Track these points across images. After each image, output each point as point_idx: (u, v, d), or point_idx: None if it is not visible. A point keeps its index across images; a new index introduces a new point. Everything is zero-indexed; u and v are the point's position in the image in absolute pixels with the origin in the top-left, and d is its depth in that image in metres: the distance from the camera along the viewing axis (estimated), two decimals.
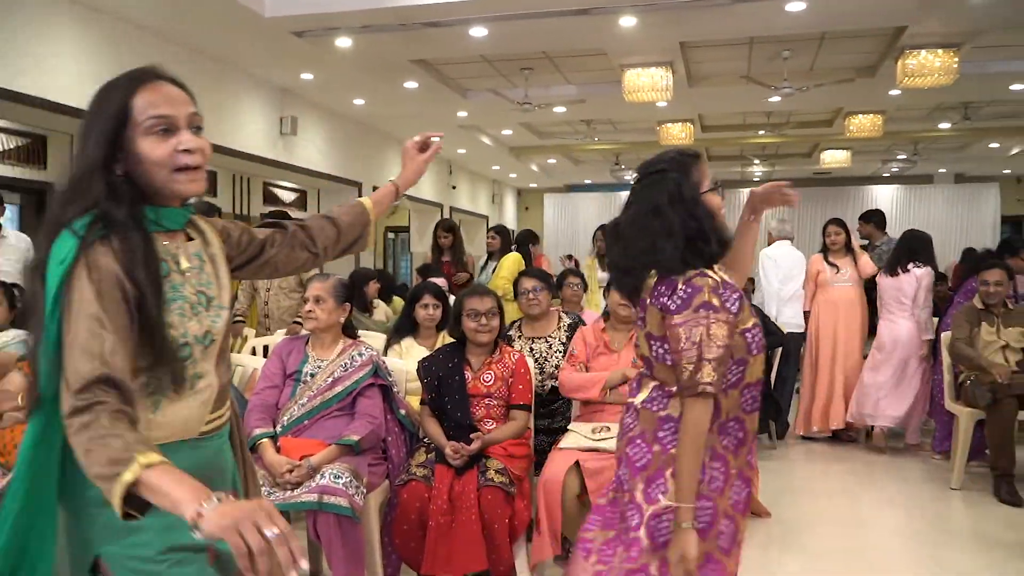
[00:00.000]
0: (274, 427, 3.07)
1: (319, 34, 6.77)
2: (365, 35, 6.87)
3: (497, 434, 3.21)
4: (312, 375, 3.16)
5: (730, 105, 10.46)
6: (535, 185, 18.63)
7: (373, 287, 6.11)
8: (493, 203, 17.31)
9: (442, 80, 8.82)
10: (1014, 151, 14.08)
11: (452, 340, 3.46)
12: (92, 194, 1.44)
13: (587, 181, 18.41)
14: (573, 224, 17.49)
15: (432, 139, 2.09)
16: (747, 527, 3.95)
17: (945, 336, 5.10)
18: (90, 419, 1.30)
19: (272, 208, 10.31)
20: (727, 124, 12.25)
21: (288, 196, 11.32)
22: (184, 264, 1.57)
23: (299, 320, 4.83)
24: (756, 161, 15.50)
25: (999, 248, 6.38)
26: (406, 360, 3.78)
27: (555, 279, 5.13)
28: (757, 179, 17.60)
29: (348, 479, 2.79)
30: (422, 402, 3.37)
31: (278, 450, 2.96)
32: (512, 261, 6.68)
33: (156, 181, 1.49)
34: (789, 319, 6.28)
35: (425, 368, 3.36)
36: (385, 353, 3.96)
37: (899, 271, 5.65)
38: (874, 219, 7.00)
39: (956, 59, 7.30)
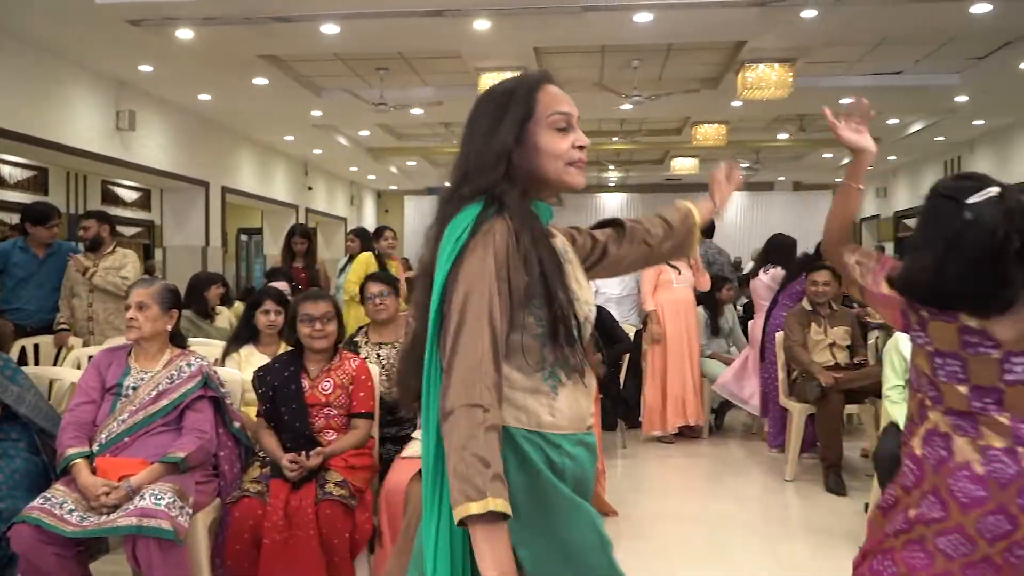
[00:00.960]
0: (91, 446, 2.84)
1: (158, 24, 6.43)
2: (209, 27, 6.58)
3: (337, 445, 3.10)
4: (134, 388, 2.95)
5: (584, 111, 10.45)
6: (395, 187, 18.45)
7: (215, 291, 5.82)
8: (352, 205, 17.01)
9: (294, 77, 8.57)
10: (845, 161, 15.02)
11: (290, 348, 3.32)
12: (494, 175, 1.53)
13: (447, 184, 18.36)
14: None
15: (735, 171, 2.11)
16: None
17: (779, 337, 5.34)
18: (473, 423, 1.32)
19: (105, 207, 9.69)
20: (583, 130, 12.45)
21: (129, 196, 10.71)
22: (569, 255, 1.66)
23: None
24: (611, 167, 15.91)
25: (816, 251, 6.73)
26: (245, 369, 3.61)
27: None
28: (612, 184, 18.09)
29: (171, 499, 2.62)
30: (258, 414, 3.22)
31: (94, 471, 2.74)
32: (360, 263, 6.53)
33: (548, 172, 1.59)
34: (623, 318, 6.45)
35: (260, 378, 3.21)
36: (223, 362, 3.77)
37: (758, 273, 6.13)
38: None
39: (791, 73, 7.70)
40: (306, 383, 3.19)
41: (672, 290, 6.12)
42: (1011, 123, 11.01)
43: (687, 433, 6.20)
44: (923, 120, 11.31)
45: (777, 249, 6.22)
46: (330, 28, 6.69)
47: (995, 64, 8.15)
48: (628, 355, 5.90)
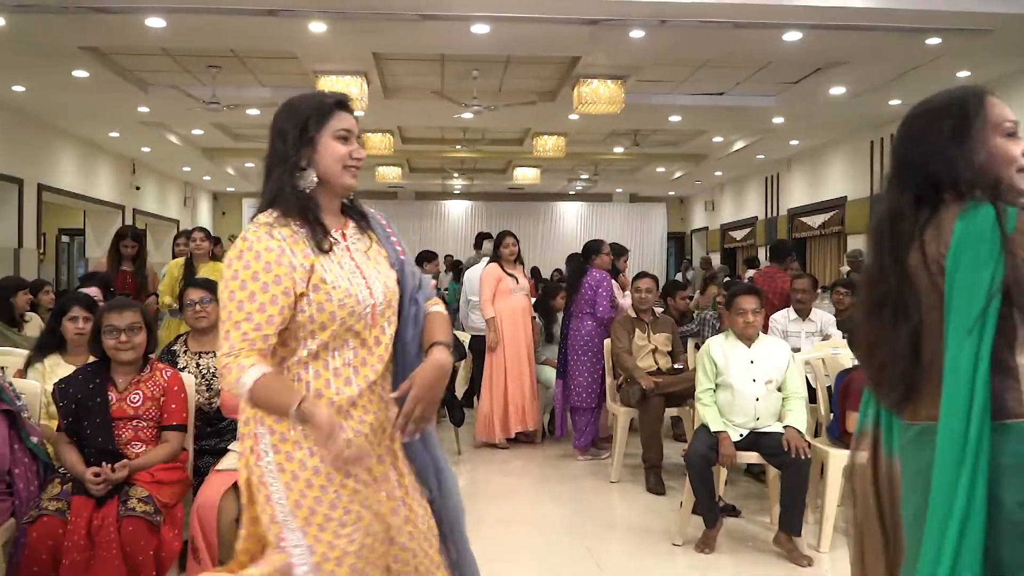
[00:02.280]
0: None
1: None
2: (22, 15, 6.16)
3: (145, 458, 2.96)
4: None
5: (426, 119, 10.70)
6: (232, 189, 17.81)
7: (23, 298, 5.44)
8: (185, 206, 16.28)
9: (118, 72, 8.14)
10: (676, 175, 15.81)
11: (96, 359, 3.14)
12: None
13: None
14: None
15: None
16: None
17: (607, 343, 5.54)
18: None
19: None
20: (426, 137, 12.51)
21: None
22: None
23: None
24: (456, 175, 16.01)
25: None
26: (50, 381, 3.38)
27: None
28: (458, 192, 18.20)
29: None
30: (58, 428, 3.03)
31: None
32: (169, 271, 6.23)
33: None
34: (476, 323, 6.55)
35: (61, 391, 3.02)
36: (25, 373, 3.52)
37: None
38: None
39: (622, 90, 8.02)
40: (113, 396, 3.03)
41: (510, 298, 6.22)
42: (823, 143, 11.92)
43: (521, 438, 6.31)
44: (745, 139, 12.05)
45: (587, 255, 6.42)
46: (156, 22, 6.39)
47: (806, 88, 8.81)
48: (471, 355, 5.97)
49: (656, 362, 5.38)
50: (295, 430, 1.83)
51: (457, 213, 17.90)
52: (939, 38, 6.69)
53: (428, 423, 1.87)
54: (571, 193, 18.07)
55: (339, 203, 2.01)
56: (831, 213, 11.92)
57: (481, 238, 8.56)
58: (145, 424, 3.04)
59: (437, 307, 2.06)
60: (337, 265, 1.90)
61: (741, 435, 3.95)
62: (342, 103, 1.96)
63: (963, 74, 7.82)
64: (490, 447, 6.21)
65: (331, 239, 1.91)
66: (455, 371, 6.09)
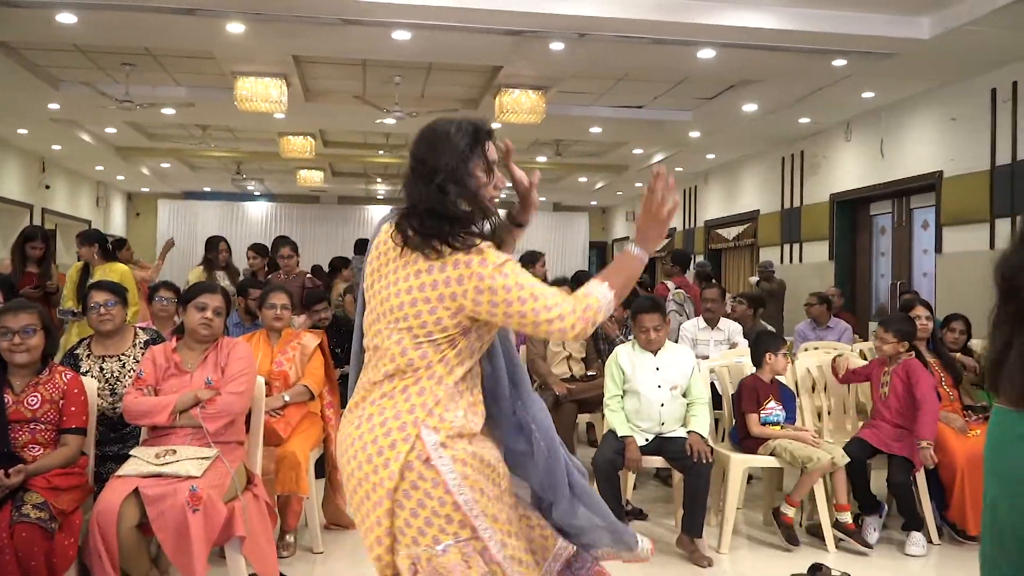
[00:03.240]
0: None
1: None
2: None
3: (42, 463, 2.90)
4: None
5: (349, 123, 10.63)
6: (148, 189, 17.35)
7: None
8: (98, 206, 15.79)
9: (27, 67, 7.89)
10: (598, 185, 16.05)
11: None
12: None
13: (206, 188, 17.58)
14: (191, 232, 16.54)
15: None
16: (334, 540, 4.01)
17: (523, 349, 5.61)
18: None
19: None
20: (349, 141, 12.42)
21: None
22: None
23: None
24: (379, 180, 15.92)
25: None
26: None
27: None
28: (381, 197, 18.10)
29: None
30: None
31: None
32: (70, 276, 6.07)
33: None
34: None
35: None
36: None
37: None
38: None
39: (543, 101, 8.13)
40: (9, 398, 2.96)
41: None
42: (737, 158, 12.27)
43: None
44: (664, 151, 12.32)
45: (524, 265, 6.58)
46: (67, 17, 6.22)
47: (721, 105, 9.08)
48: None
49: (570, 368, 5.47)
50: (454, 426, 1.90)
51: (379, 218, 17.78)
52: (845, 60, 6.98)
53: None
54: (496, 200, 18.13)
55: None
56: (745, 226, 12.28)
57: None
58: (43, 427, 2.97)
59: None
60: None
61: (647, 440, 4.07)
62: (490, 135, 2.08)
63: (868, 95, 8.19)
64: None
65: None
66: None
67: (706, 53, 6.93)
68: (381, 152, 12.60)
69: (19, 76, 8.03)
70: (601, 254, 20.05)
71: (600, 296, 1.89)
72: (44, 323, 3.04)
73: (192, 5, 6.00)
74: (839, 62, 7.07)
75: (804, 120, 9.40)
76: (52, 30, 6.58)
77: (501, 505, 1.95)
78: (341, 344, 5.16)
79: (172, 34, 6.75)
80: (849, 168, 9.43)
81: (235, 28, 6.49)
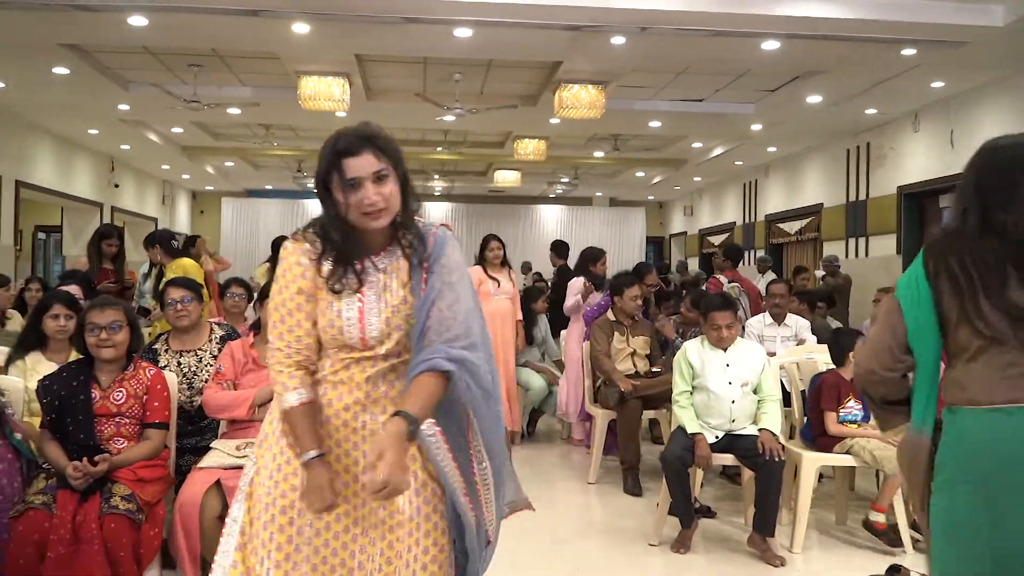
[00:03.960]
0: None
1: None
2: (2, 10, 6.11)
3: (127, 455, 2.98)
4: None
5: (408, 121, 10.72)
6: (212, 188, 17.74)
7: (3, 295, 5.43)
8: (164, 205, 16.19)
9: (99, 69, 8.10)
10: (656, 180, 15.92)
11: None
12: None
13: (268, 187, 17.88)
14: (253, 230, 16.87)
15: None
16: None
17: (585, 346, 5.60)
18: None
19: None
20: (408, 139, 12.52)
21: None
22: None
23: None
24: (436, 176, 16.03)
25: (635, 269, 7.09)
26: (32, 378, 3.39)
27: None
28: (438, 194, 18.23)
29: None
30: (41, 425, 3.04)
31: None
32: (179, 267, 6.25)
33: None
34: None
35: (45, 388, 3.03)
36: (6, 370, 3.53)
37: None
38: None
39: (603, 95, 8.09)
40: (96, 393, 3.04)
41: (491, 301, 6.27)
42: (800, 151, 12.06)
43: None
44: (723, 145, 12.17)
45: (579, 261, 6.55)
46: (138, 20, 6.38)
47: (784, 97, 8.92)
48: None
49: (634, 365, 5.44)
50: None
51: (437, 215, 17.89)
52: (914, 49, 6.81)
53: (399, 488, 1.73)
54: (551, 196, 18.15)
55: (387, 230, 1.96)
56: (807, 219, 12.06)
57: None
58: (128, 421, 3.06)
59: (446, 366, 1.83)
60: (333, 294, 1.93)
61: (717, 437, 4.02)
62: (346, 151, 1.87)
63: (937, 84, 7.97)
64: None
65: (342, 282, 1.91)
66: None
67: (770, 44, 6.82)
68: (439, 149, 12.67)
69: (91, 78, 8.26)
70: (658, 249, 19.90)
71: (279, 390, 1.93)
72: (129, 319, 3.13)
73: (258, 7, 6.11)
74: (908, 51, 6.90)
75: (870, 111, 9.20)
76: (123, 33, 6.76)
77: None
78: None
79: (238, 35, 6.88)
80: (917, 159, 9.20)
81: (300, 28, 6.59)
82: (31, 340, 3.68)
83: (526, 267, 14.57)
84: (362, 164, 1.86)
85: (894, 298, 1.93)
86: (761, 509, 3.88)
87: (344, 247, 1.91)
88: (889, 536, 4.04)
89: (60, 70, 7.95)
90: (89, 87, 8.60)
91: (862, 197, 10.35)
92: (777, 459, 3.84)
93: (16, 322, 5.51)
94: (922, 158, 9.11)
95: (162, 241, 6.60)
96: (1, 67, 7.88)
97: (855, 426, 4.17)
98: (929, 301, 1.85)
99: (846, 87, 8.28)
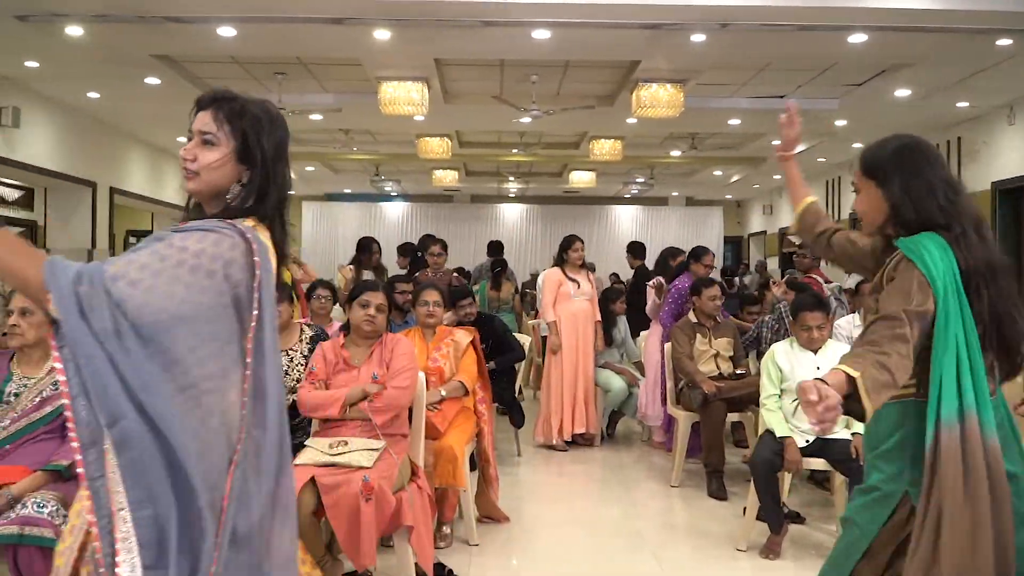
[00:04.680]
0: None
1: (45, 20, 6.21)
2: (99, 24, 6.39)
3: None
4: (16, 395, 2.86)
5: (485, 123, 10.80)
6: (292, 192, 18.03)
7: None
8: None
9: (188, 78, 8.37)
10: (734, 179, 15.68)
11: None
12: None
13: (347, 190, 18.23)
14: (332, 233, 17.23)
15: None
16: (487, 532, 4.10)
17: (667, 348, 5.56)
18: None
19: None
20: (483, 141, 12.62)
21: (11, 194, 10.21)
22: None
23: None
24: (511, 178, 16.10)
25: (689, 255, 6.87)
26: None
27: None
28: (512, 195, 18.30)
29: (54, 508, 2.56)
30: None
31: None
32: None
33: None
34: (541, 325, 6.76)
35: None
36: None
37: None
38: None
39: (682, 94, 8.01)
40: None
41: (570, 302, 6.29)
42: None
43: (580, 441, 6.36)
44: (805, 142, 11.89)
45: (658, 263, 6.53)
46: (227, 31, 6.59)
47: (871, 91, 8.68)
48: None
49: (718, 367, 5.38)
50: None
51: (512, 216, 17.97)
52: (1010, 39, 6.55)
53: None
54: (627, 197, 18.03)
55: (214, 209, 1.78)
56: None
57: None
58: None
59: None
60: None
61: (807, 441, 3.94)
62: (198, 103, 1.79)
63: None
64: (549, 449, 6.26)
65: None
66: (515, 372, 6.15)
67: (857, 37, 6.65)
68: (515, 150, 12.72)
69: (181, 88, 8.55)
70: (736, 249, 19.58)
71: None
72: None
73: (341, 14, 6.24)
74: (1003, 42, 6.63)
75: (962, 104, 8.87)
76: (213, 43, 6.99)
77: None
78: (486, 340, 5.26)
79: (322, 43, 7.04)
80: (1013, 154, 8.84)
81: (381, 35, 6.70)
82: None
83: (590, 267, 14.50)
84: (199, 120, 1.75)
85: None
86: None
87: (189, 210, 1.81)
88: None
89: (152, 80, 8.26)
90: (179, 96, 8.88)
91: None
92: None
93: None
94: (1017, 153, 8.75)
95: None
96: (97, 79, 8.21)
97: None
98: None
99: (936, 80, 8.01)
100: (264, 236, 1.73)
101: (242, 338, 1.61)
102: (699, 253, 6.30)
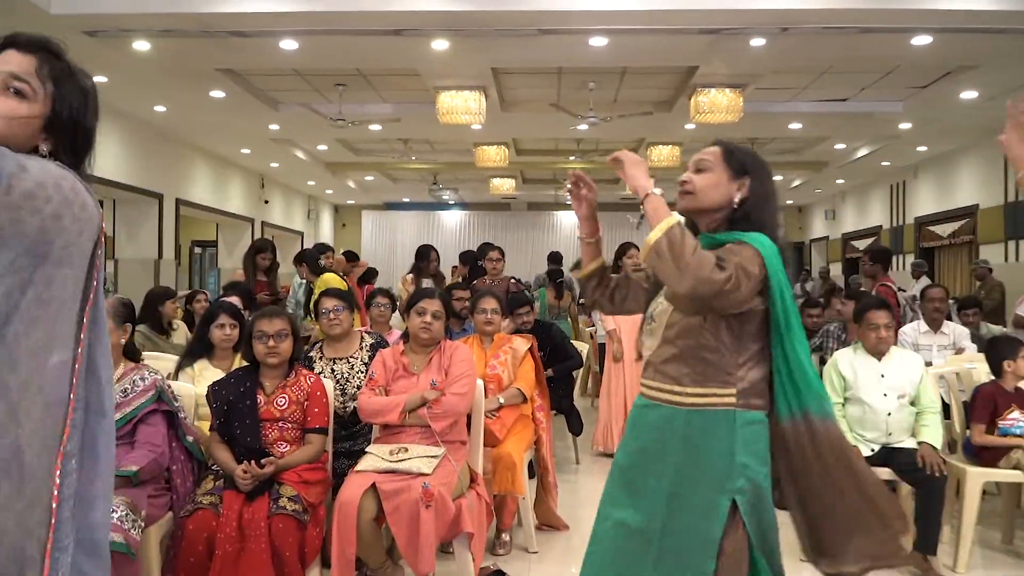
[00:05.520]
0: None
1: (113, 35, 6.41)
2: (165, 39, 6.59)
3: (291, 458, 3.14)
4: None
5: (542, 131, 10.81)
6: (352, 202, 18.43)
7: (171, 307, 5.81)
8: (309, 219, 16.95)
9: (251, 91, 8.58)
10: (795, 183, 15.41)
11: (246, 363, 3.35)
12: None
13: (405, 199, 18.43)
14: (391, 241, 17.45)
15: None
16: (546, 540, 4.09)
17: None
18: None
19: None
20: (540, 149, 12.64)
21: None
22: None
23: None
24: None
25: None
26: (199, 384, 3.63)
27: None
28: (569, 203, 18.25)
29: (124, 512, 2.64)
30: (211, 428, 3.25)
31: None
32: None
33: None
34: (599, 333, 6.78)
35: (215, 392, 3.24)
36: (176, 376, 3.78)
37: None
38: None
39: (741, 98, 7.91)
40: (261, 399, 3.23)
41: None
42: (952, 150, 11.41)
43: None
44: (869, 146, 11.66)
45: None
46: (289, 44, 6.73)
47: (936, 93, 8.47)
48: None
49: None
50: None
51: (569, 224, 17.97)
52: None
53: None
54: None
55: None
56: (961, 222, 11.39)
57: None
58: (290, 426, 3.22)
59: None
60: None
61: (872, 450, 3.85)
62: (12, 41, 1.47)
63: None
64: (608, 457, 6.22)
65: None
66: (573, 380, 6.14)
67: (921, 39, 6.50)
68: (572, 158, 12.71)
69: (244, 100, 8.77)
70: (798, 254, 19.23)
71: None
72: (293, 328, 3.30)
73: (400, 26, 6.33)
74: None
75: None
76: (275, 56, 7.14)
77: None
78: (543, 347, 5.26)
79: (381, 54, 7.14)
80: None
81: (439, 45, 6.77)
82: (199, 348, 3.93)
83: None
84: (14, 61, 1.43)
85: None
86: (922, 526, 3.69)
87: None
88: None
89: (217, 94, 8.47)
90: (242, 109, 9.12)
91: (1022, 198, 9.68)
92: (939, 474, 3.64)
93: (181, 333, 5.87)
94: None
95: (308, 260, 6.91)
96: (164, 92, 8.46)
97: (1021, 439, 3.91)
98: None
99: (1004, 81, 7.77)
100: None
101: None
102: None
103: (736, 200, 2.09)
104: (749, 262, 1.93)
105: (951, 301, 6.61)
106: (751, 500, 1.98)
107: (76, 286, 1.41)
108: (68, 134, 1.46)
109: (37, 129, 1.44)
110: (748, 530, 1.98)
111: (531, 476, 4.33)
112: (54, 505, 1.34)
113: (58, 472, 1.35)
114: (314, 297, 6.32)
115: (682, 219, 1.99)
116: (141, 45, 6.70)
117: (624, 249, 6.42)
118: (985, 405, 3.99)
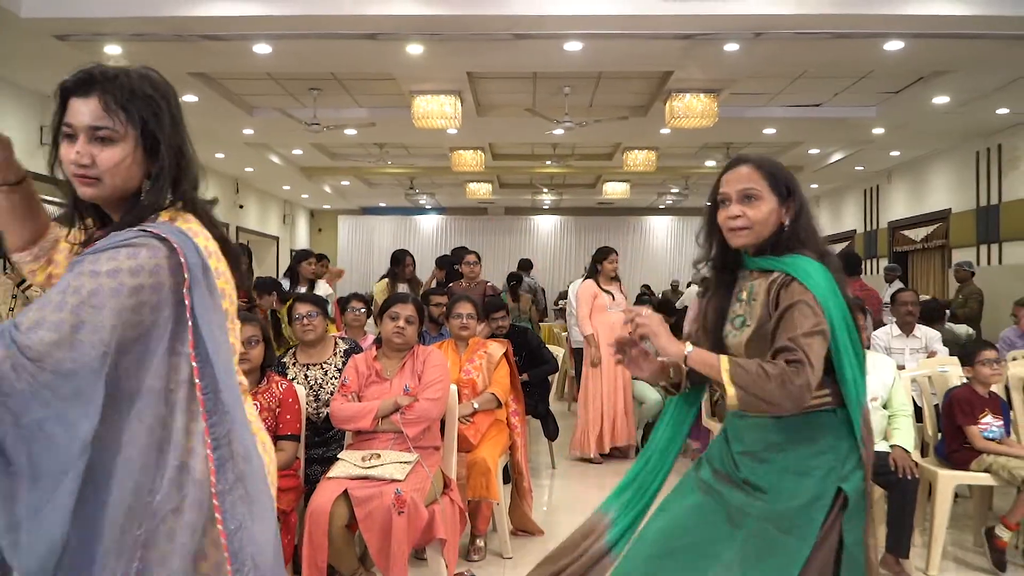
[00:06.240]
0: None
1: (85, 39, 6.33)
2: (138, 43, 6.51)
3: None
4: None
5: (518, 135, 10.81)
6: (328, 206, 18.33)
7: None
8: (284, 223, 16.84)
9: (225, 95, 8.51)
10: None
11: None
12: None
13: (382, 204, 18.36)
14: (368, 246, 17.37)
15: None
16: (521, 546, 4.08)
17: None
18: None
19: None
20: (517, 153, 12.63)
21: (52, 212, 10.42)
22: None
23: None
24: (545, 190, 16.10)
25: None
26: None
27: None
28: (546, 207, 18.30)
29: None
30: None
31: None
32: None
33: None
34: (575, 337, 6.76)
35: None
36: None
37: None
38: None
39: (716, 103, 7.96)
40: None
41: (607, 314, 6.25)
42: (925, 154, 11.53)
43: (615, 453, 6.31)
44: (842, 150, 11.76)
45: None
46: (263, 48, 6.68)
47: (908, 98, 8.56)
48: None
49: None
50: None
51: (546, 228, 17.98)
52: None
53: None
54: (661, 207, 17.94)
55: (118, 212, 1.57)
56: (934, 226, 11.51)
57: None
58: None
59: None
60: None
61: None
62: (73, 88, 1.47)
63: None
64: (584, 462, 6.22)
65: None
66: (549, 384, 6.13)
67: (894, 44, 6.56)
68: (548, 162, 12.72)
69: (218, 104, 8.69)
70: None
71: None
72: (264, 335, 3.27)
73: (375, 30, 6.30)
74: None
75: (1002, 111, 8.71)
76: (249, 60, 7.09)
77: None
78: (519, 352, 5.26)
79: (356, 59, 7.11)
80: None
81: (414, 49, 6.75)
82: None
83: (646, 289, 14.51)
84: (83, 111, 1.44)
85: None
86: (894, 529, 3.71)
87: (74, 208, 1.58)
88: (999, 556, 3.82)
89: (190, 98, 8.39)
90: (216, 113, 9.04)
91: (994, 201, 9.80)
92: (911, 477, 3.67)
93: None
94: None
95: (278, 289, 6.71)
96: None
97: (993, 443, 3.95)
98: None
99: (976, 87, 7.88)
100: (187, 224, 1.51)
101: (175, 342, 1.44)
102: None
103: (787, 223, 2.05)
104: (809, 322, 1.86)
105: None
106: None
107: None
108: (155, 154, 1.49)
109: (137, 165, 1.49)
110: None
111: (506, 481, 4.31)
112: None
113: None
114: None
115: (725, 359, 1.88)
116: (113, 49, 6.62)
117: (604, 254, 6.42)
118: (966, 408, 4.02)
